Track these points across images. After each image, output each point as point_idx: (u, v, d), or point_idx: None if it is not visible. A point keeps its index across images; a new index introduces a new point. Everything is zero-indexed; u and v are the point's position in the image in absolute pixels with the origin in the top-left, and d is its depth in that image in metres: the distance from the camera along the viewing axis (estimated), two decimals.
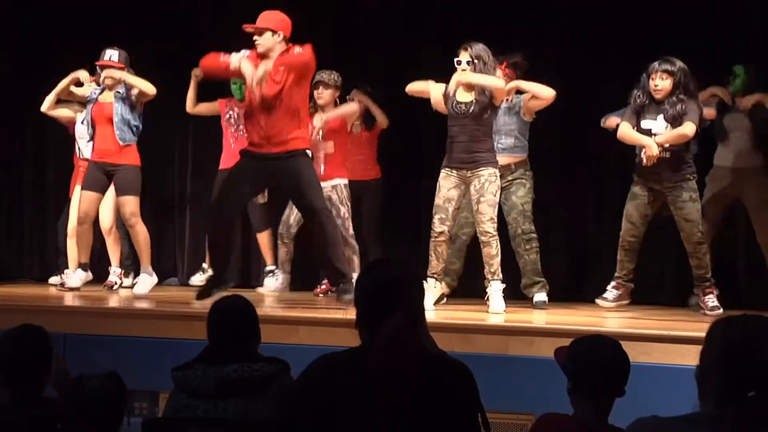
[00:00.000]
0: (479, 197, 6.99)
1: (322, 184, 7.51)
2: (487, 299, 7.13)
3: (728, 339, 2.52)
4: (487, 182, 6.99)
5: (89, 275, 7.87)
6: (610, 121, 7.38)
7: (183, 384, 3.93)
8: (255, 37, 6.88)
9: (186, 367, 3.95)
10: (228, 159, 8.16)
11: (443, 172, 7.09)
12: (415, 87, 7.21)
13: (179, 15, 9.34)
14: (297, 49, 6.85)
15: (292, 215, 7.88)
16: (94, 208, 7.80)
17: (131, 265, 8.60)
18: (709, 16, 8.33)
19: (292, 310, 7.28)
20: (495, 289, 7.05)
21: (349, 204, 7.82)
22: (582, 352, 3.46)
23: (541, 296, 7.60)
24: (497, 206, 7.08)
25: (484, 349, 6.01)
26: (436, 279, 7.16)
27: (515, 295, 7.63)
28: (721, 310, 6.78)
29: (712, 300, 6.73)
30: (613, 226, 8.10)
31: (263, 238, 8.57)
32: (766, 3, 8.11)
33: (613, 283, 7.05)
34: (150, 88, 7.66)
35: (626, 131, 6.94)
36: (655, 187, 6.91)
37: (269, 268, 8.54)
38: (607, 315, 7.24)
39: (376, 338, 2.75)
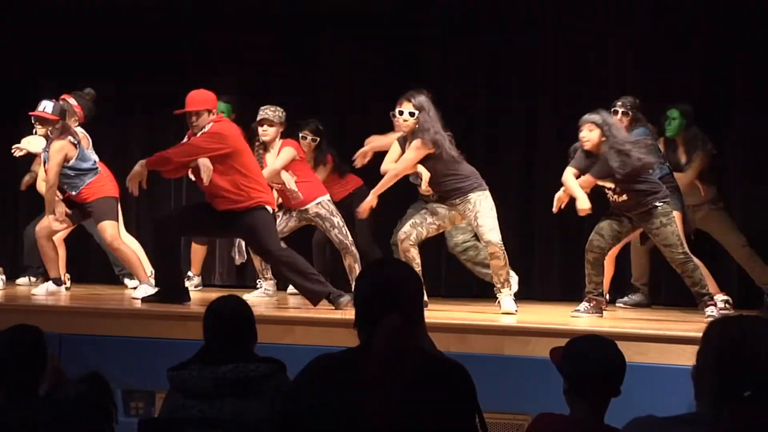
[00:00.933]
0: (476, 213, 7.03)
1: (306, 206, 7.71)
2: (498, 303, 7.14)
3: (724, 339, 2.53)
4: (479, 201, 7.04)
5: (61, 289, 7.85)
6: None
7: (179, 384, 3.93)
8: (193, 118, 6.97)
9: (182, 367, 3.95)
10: None
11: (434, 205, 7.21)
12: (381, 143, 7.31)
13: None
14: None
15: (281, 224, 7.80)
16: (61, 230, 7.94)
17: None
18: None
19: (288, 311, 7.28)
20: (505, 294, 7.08)
21: (338, 213, 7.75)
22: (577, 352, 3.46)
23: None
24: (495, 218, 7.07)
25: (479, 350, 6.01)
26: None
27: (520, 295, 7.63)
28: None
29: (711, 311, 6.75)
30: None
31: None
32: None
33: (585, 297, 7.02)
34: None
35: (565, 179, 6.98)
36: (629, 215, 6.94)
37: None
38: (604, 315, 7.25)
39: (373, 338, 2.74)
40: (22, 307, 6.96)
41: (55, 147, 7.58)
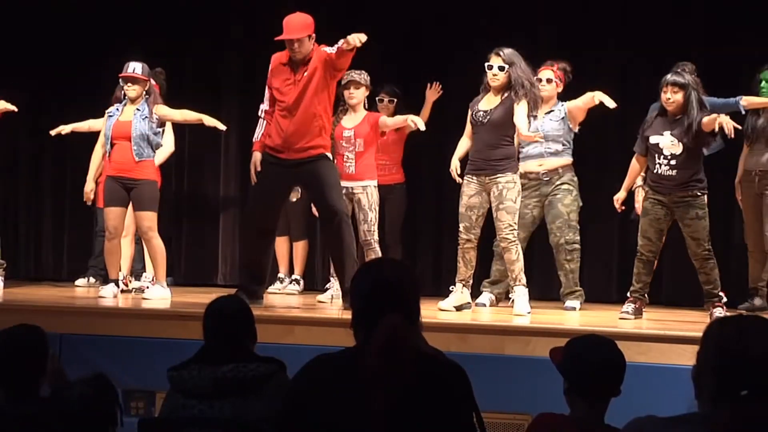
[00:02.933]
0: (498, 204, 7.01)
1: (353, 184, 7.61)
2: (512, 303, 7.14)
3: (723, 338, 2.52)
4: (505, 189, 7.00)
5: (118, 291, 7.80)
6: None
7: (179, 384, 3.93)
8: (295, 45, 6.88)
9: (182, 367, 3.95)
10: None
11: (465, 179, 7.13)
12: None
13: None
14: (328, 49, 6.90)
15: None
16: (121, 223, 7.76)
17: (142, 269, 8.57)
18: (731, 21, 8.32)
19: (288, 311, 7.28)
20: (519, 294, 7.05)
21: (377, 209, 7.68)
22: (577, 352, 3.46)
23: (573, 303, 7.56)
24: (517, 213, 7.08)
25: (480, 349, 6.02)
26: (464, 285, 7.16)
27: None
28: None
29: (719, 312, 6.72)
30: (612, 227, 8.13)
31: (290, 246, 8.67)
32: None
33: (630, 297, 6.98)
34: (194, 118, 7.72)
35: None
36: (664, 200, 6.88)
37: (281, 275, 8.67)
38: (604, 315, 7.25)
39: (372, 338, 2.74)
40: (22, 307, 6.96)
41: (163, 108, 7.65)
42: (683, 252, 7.11)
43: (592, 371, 3.39)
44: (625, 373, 3.44)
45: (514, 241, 7.03)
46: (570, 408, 3.43)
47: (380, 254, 7.65)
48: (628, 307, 6.88)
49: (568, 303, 7.54)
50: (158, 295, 7.47)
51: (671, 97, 6.78)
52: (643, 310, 6.97)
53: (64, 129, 8.08)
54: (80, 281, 8.77)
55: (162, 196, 7.77)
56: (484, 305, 7.58)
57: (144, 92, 7.65)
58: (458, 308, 7.07)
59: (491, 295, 7.66)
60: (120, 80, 7.73)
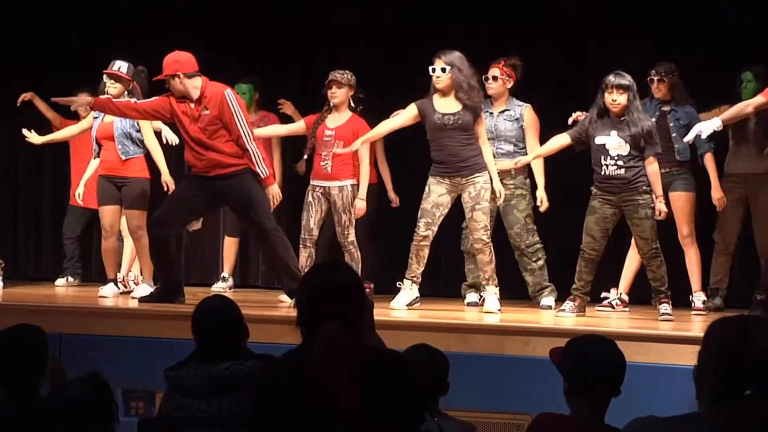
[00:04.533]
0: (474, 204, 7.02)
1: (329, 183, 7.65)
2: (482, 302, 7.16)
3: (724, 338, 2.52)
4: (483, 189, 7.02)
5: (117, 290, 7.82)
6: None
7: (176, 383, 3.94)
8: (169, 84, 6.98)
9: (179, 366, 3.96)
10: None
11: (434, 178, 7.10)
12: (395, 124, 7.25)
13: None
14: (230, 98, 6.97)
15: (312, 219, 7.77)
16: (117, 220, 7.82)
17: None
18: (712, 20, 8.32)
19: (288, 311, 7.27)
20: (490, 293, 7.08)
21: (351, 210, 7.71)
22: (577, 352, 3.46)
23: (548, 300, 7.56)
24: (492, 213, 7.08)
25: (480, 349, 6.02)
26: (413, 282, 7.14)
27: (514, 295, 7.63)
28: (672, 318, 6.79)
29: (665, 308, 6.83)
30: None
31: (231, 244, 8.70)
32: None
33: (571, 295, 7.01)
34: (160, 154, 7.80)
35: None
36: (613, 200, 6.92)
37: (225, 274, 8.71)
38: (604, 315, 7.25)
39: (314, 348, 2.77)
40: (22, 307, 6.96)
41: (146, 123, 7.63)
42: (676, 254, 7.13)
43: (592, 371, 3.39)
44: (625, 373, 3.44)
45: (488, 242, 7.06)
46: (570, 408, 3.43)
47: (356, 256, 7.68)
48: (567, 305, 6.92)
49: (544, 301, 7.53)
50: (145, 293, 7.49)
51: (617, 99, 6.84)
52: (586, 307, 7.00)
53: (36, 140, 8.12)
54: (59, 281, 8.86)
55: (162, 195, 7.76)
56: (476, 303, 7.58)
57: (126, 92, 7.65)
58: (409, 305, 7.08)
59: (477, 294, 7.65)
60: (104, 76, 7.74)
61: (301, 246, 7.71)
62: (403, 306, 7.04)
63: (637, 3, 8.52)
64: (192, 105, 6.99)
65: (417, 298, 7.17)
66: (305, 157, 7.85)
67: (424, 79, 7.21)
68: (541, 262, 7.62)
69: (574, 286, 6.99)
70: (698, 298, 7.65)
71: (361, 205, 7.68)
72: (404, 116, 7.19)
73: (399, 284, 7.20)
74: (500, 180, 7.27)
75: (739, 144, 7.69)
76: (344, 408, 2.67)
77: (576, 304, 6.92)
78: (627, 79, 6.85)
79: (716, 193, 7.65)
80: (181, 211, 7.18)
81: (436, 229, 7.11)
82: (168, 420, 3.95)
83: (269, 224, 7.03)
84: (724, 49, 8.17)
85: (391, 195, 8.31)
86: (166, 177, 7.77)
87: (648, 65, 7.69)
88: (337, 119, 7.73)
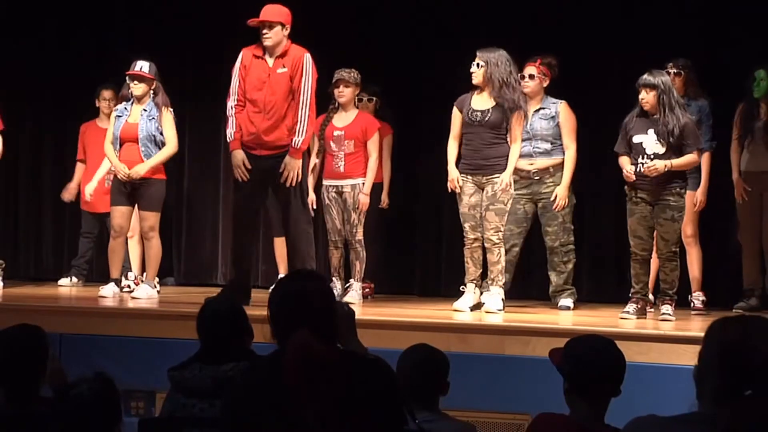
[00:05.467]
0: (489, 204, 7.02)
1: (342, 182, 7.69)
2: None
3: (725, 338, 2.53)
4: (501, 191, 7.01)
5: (118, 291, 7.81)
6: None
7: (179, 384, 3.94)
8: (264, 31, 6.91)
9: (182, 367, 3.96)
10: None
11: (462, 175, 7.12)
12: (455, 132, 7.21)
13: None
14: (307, 62, 6.93)
15: (336, 219, 7.74)
16: (127, 222, 7.79)
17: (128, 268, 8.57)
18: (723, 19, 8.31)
19: None
20: (495, 293, 7.06)
21: (362, 209, 7.72)
22: (577, 352, 3.46)
23: (566, 302, 7.54)
24: (506, 215, 7.09)
25: (481, 349, 6.02)
26: (475, 285, 7.15)
27: (512, 295, 7.63)
28: (672, 319, 6.79)
29: (666, 308, 6.83)
30: (613, 229, 8.08)
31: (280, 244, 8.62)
32: None
33: (632, 298, 6.98)
34: (172, 150, 7.76)
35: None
36: (647, 198, 6.91)
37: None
38: (603, 315, 7.25)
39: (284, 357, 2.79)
40: (22, 307, 6.96)
41: (167, 122, 7.67)
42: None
43: (592, 371, 3.39)
44: (625, 373, 3.44)
45: (498, 243, 7.05)
46: (570, 408, 3.43)
47: (361, 255, 7.73)
48: (630, 307, 6.89)
49: (562, 302, 7.53)
50: (146, 295, 7.49)
51: (644, 97, 6.85)
52: (647, 310, 6.98)
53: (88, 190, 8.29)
54: (63, 281, 8.82)
55: (171, 197, 7.78)
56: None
57: (150, 91, 7.65)
58: (473, 308, 7.07)
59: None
60: (126, 78, 7.73)
61: (332, 248, 7.77)
62: (466, 308, 7.03)
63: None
64: (270, 62, 6.97)
65: (481, 302, 7.14)
66: (317, 160, 7.84)
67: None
68: (570, 265, 7.60)
69: (633, 289, 6.95)
70: (697, 298, 7.66)
71: (364, 200, 7.72)
72: (454, 121, 7.21)
73: (462, 288, 7.18)
74: (540, 179, 7.38)
75: (751, 143, 7.68)
76: (318, 413, 2.69)
77: (638, 306, 6.91)
78: (657, 78, 6.85)
79: (701, 196, 7.62)
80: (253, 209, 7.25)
81: (482, 229, 7.09)
82: (169, 420, 3.95)
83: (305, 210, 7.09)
84: (737, 47, 8.14)
85: (383, 195, 8.28)
86: (148, 167, 7.64)
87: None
88: (344, 118, 7.76)
